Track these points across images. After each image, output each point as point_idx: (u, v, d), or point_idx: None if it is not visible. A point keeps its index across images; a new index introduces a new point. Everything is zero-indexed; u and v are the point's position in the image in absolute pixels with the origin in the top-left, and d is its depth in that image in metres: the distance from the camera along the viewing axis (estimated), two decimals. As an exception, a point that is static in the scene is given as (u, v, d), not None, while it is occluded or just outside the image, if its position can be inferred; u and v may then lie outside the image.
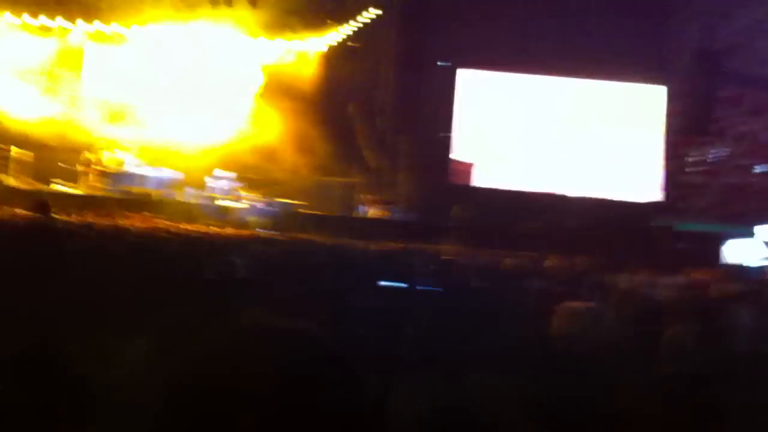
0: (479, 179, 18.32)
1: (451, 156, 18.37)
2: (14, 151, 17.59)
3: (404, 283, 6.89)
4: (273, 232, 12.88)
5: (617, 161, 18.17)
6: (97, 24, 18.85)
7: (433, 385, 6.00)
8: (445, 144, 18.34)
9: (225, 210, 16.46)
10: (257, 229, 13.49)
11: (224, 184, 17.51)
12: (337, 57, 18.91)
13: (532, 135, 18.38)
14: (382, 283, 6.71)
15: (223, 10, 17.85)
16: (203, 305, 3.98)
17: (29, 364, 2.65)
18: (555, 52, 17.04)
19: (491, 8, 17.25)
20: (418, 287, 7.25)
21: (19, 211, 11.19)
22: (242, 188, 17.36)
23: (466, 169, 18.38)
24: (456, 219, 16.55)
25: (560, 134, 18.33)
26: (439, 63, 18.39)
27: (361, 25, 18.60)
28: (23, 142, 17.79)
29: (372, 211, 17.55)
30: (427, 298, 6.93)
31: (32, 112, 18.00)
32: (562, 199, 17.81)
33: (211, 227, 12.75)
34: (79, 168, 17.55)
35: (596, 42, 16.96)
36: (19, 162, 17.71)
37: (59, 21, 18.73)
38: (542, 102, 18.47)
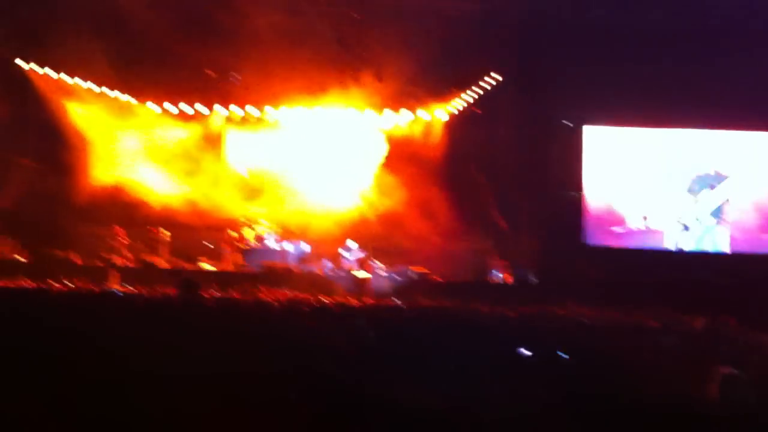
0: (612, 238, 17.91)
1: (585, 215, 18.05)
2: (162, 232, 18.68)
3: (541, 349, 6.83)
4: (404, 301, 13.01)
5: (753, 213, 17.43)
6: (234, 108, 19.99)
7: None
8: (576, 204, 18.07)
9: (359, 281, 16.80)
10: (392, 299, 13.68)
11: (357, 255, 17.90)
12: (460, 123, 19.12)
13: (664, 190, 17.88)
14: (521, 350, 6.68)
15: (351, 88, 18.50)
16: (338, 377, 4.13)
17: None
18: (684, 103, 16.60)
19: (613, 62, 17.00)
20: (558, 353, 7.16)
21: (169, 290, 11.89)
22: (374, 258, 17.67)
23: (599, 228, 18.02)
24: (591, 280, 16.20)
25: (696, 187, 17.78)
26: (563, 121, 18.28)
27: (483, 91, 18.77)
28: (170, 223, 18.91)
29: (504, 276, 17.43)
30: (568, 364, 6.84)
31: (177, 194, 19.08)
32: (700, 256, 17.21)
33: (348, 298, 13.05)
34: (222, 246, 18.41)
35: (728, 91, 16.40)
36: (166, 243, 18.79)
37: (199, 107, 19.97)
38: (674, 156, 18.00)
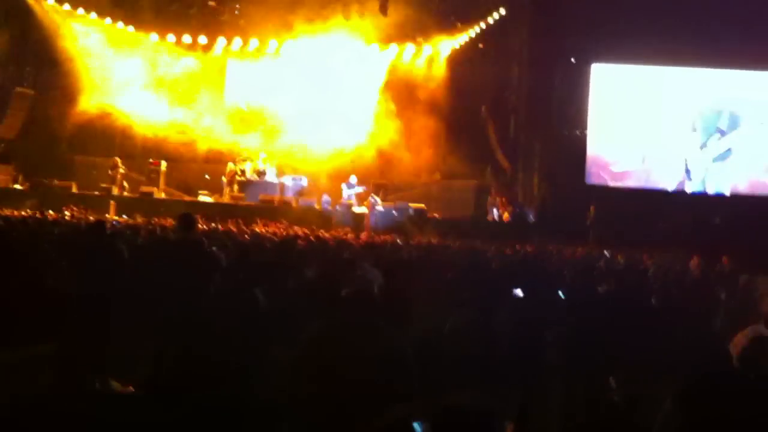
0: (616, 178, 17.80)
1: (587, 155, 17.89)
2: (164, 165, 18.59)
3: (540, 288, 6.77)
4: (405, 237, 12.97)
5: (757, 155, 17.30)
6: (237, 40, 19.68)
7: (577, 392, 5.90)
8: (581, 142, 17.90)
9: (359, 216, 16.74)
10: (392, 235, 13.63)
11: (358, 191, 17.81)
12: (466, 59, 18.84)
13: (671, 129, 17.68)
14: (517, 291, 6.62)
15: (356, 21, 18.14)
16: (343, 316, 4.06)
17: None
18: (692, 41, 16.23)
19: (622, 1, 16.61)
20: (557, 293, 7.11)
21: (167, 222, 11.83)
22: (376, 194, 17.57)
23: (602, 167, 17.89)
24: (592, 219, 16.17)
25: (701, 127, 17.58)
26: (572, 59, 17.95)
27: (490, 26, 18.41)
28: (171, 156, 18.84)
29: (505, 214, 17.36)
30: (565, 304, 6.79)
31: (177, 126, 18.94)
32: (703, 197, 17.14)
33: (347, 233, 13.02)
34: (223, 179, 18.33)
35: (735, 31, 16.02)
36: (168, 175, 18.72)
37: (202, 39, 19.66)
38: (682, 94, 17.74)
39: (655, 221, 15.08)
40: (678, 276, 8.17)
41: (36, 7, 18.97)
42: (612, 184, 17.70)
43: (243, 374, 2.99)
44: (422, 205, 17.26)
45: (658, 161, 17.62)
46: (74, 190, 17.71)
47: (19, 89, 19.30)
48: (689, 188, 17.45)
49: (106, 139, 19.38)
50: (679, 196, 17.21)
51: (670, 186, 17.50)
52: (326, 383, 3.47)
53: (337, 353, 3.59)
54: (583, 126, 18.00)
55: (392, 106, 18.86)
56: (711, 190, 17.39)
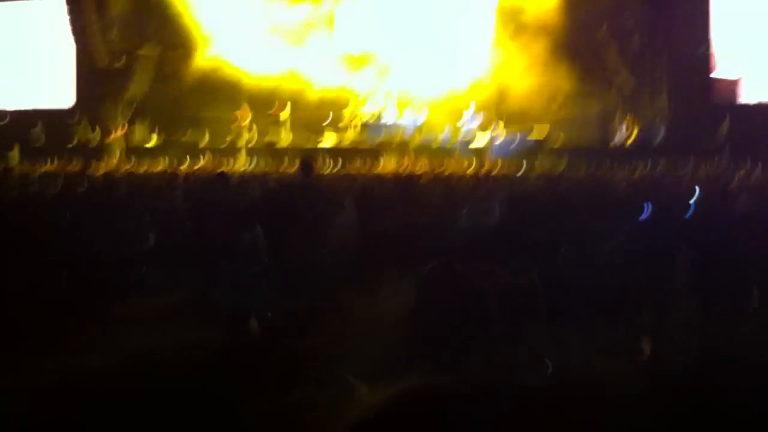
0: (746, 95, 16.71)
1: (713, 73, 16.84)
2: (286, 113, 18.91)
3: (670, 211, 6.53)
4: (525, 168, 12.74)
5: None
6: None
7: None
8: (706, 60, 16.84)
9: (479, 150, 16.53)
10: (512, 166, 13.42)
11: (477, 124, 17.55)
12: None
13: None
14: (646, 214, 6.42)
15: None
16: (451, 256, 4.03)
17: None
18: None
19: None
20: (688, 213, 6.84)
21: (293, 168, 12.12)
22: (495, 126, 17.25)
23: (730, 85, 16.82)
24: (725, 138, 15.32)
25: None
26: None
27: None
28: (293, 103, 19.13)
29: (632, 135, 16.68)
30: (698, 225, 6.54)
31: (298, 74, 19.18)
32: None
33: (468, 169, 12.92)
34: (341, 124, 18.47)
35: None
36: (292, 122, 19.05)
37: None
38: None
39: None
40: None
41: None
42: (743, 100, 16.64)
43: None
44: (545, 131, 16.79)
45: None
46: (204, 143, 18.33)
47: (142, 51, 19.98)
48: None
49: (229, 90, 19.89)
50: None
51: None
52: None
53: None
54: (708, 43, 16.92)
55: (508, 32, 18.36)
56: None
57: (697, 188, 8.54)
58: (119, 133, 18.22)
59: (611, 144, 16.83)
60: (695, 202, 7.76)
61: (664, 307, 5.93)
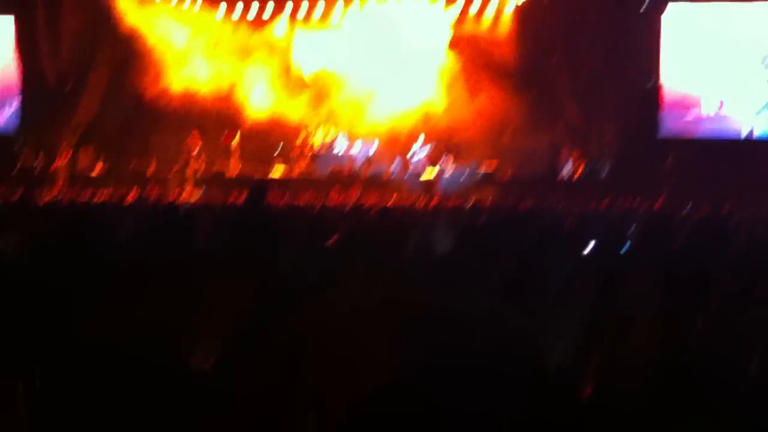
0: (692, 126, 17.17)
1: (662, 104, 17.26)
2: (236, 139, 18.81)
3: (614, 244, 6.64)
4: (474, 200, 12.84)
5: None
6: (304, 7, 19.71)
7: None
8: (654, 92, 17.27)
9: (428, 181, 16.65)
10: (461, 198, 13.52)
11: (426, 154, 17.72)
12: (533, 10, 18.36)
13: (747, 70, 16.89)
14: (591, 247, 6.50)
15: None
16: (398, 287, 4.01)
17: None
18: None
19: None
20: (629, 248, 6.96)
21: (241, 197, 12.03)
22: (444, 157, 17.42)
23: (678, 116, 17.27)
24: (669, 171, 15.70)
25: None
26: (643, 6, 17.27)
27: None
28: (244, 128, 19.05)
29: (579, 169, 16.99)
30: (639, 259, 6.65)
31: (250, 100, 19.12)
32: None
33: (416, 200, 12.98)
34: (292, 152, 18.44)
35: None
36: (242, 149, 18.94)
37: (269, 7, 19.75)
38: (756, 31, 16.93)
39: (735, 169, 14.51)
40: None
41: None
42: (689, 133, 17.09)
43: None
44: (493, 165, 17.03)
45: (735, 105, 16.90)
46: (151, 170, 18.09)
47: (94, 72, 19.69)
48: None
49: (178, 118, 19.74)
50: (758, 142, 16.55)
51: (749, 130, 16.79)
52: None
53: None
54: (656, 75, 17.36)
55: (460, 63, 18.64)
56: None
57: (640, 223, 8.72)
58: (64, 159, 17.88)
59: (559, 177, 17.12)
60: (636, 237, 7.93)
61: (601, 340, 6.03)
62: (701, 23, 17.28)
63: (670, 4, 17.20)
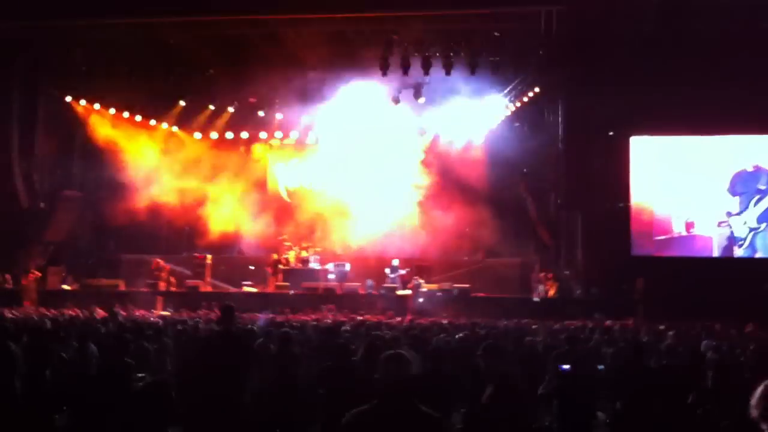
0: (661, 247, 17.48)
1: (631, 226, 17.59)
2: (209, 258, 18.84)
3: (586, 364, 6.64)
4: (448, 318, 12.86)
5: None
6: (279, 134, 20.27)
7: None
8: (624, 215, 17.60)
9: (403, 299, 16.67)
10: (435, 316, 13.52)
11: (401, 274, 17.83)
12: (503, 138, 18.95)
13: (712, 195, 17.42)
14: (564, 367, 6.50)
15: (389, 108, 18.54)
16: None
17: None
18: (726, 111, 16.12)
19: (654, 76, 16.51)
20: (601, 368, 6.96)
21: (212, 313, 11.96)
22: (419, 277, 17.52)
23: (647, 238, 17.59)
24: (640, 292, 15.86)
25: (741, 191, 17.36)
26: (610, 133, 17.83)
27: (525, 104, 18.51)
28: (216, 249, 19.16)
29: (551, 290, 17.10)
30: (612, 380, 6.66)
31: (223, 220, 19.31)
32: (747, 261, 16.79)
33: (391, 317, 12.95)
34: (267, 269, 18.44)
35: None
36: (213, 268, 18.94)
37: (243, 135, 20.26)
38: (720, 160, 17.57)
39: (704, 290, 14.67)
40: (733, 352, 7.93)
41: (80, 110, 19.68)
42: (658, 254, 17.38)
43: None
44: (467, 285, 17.13)
45: (701, 228, 17.32)
46: (121, 288, 17.95)
47: (66, 192, 19.82)
48: (736, 253, 17.10)
49: (151, 235, 19.82)
50: (726, 262, 16.86)
51: (717, 252, 17.16)
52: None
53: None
54: (625, 198, 17.75)
55: (431, 188, 19.07)
56: (759, 254, 17.04)
57: (614, 344, 8.77)
58: (34, 276, 17.66)
59: (531, 297, 17.18)
60: (608, 358, 7.97)
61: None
62: (672, 153, 17.90)
63: (634, 137, 17.76)
